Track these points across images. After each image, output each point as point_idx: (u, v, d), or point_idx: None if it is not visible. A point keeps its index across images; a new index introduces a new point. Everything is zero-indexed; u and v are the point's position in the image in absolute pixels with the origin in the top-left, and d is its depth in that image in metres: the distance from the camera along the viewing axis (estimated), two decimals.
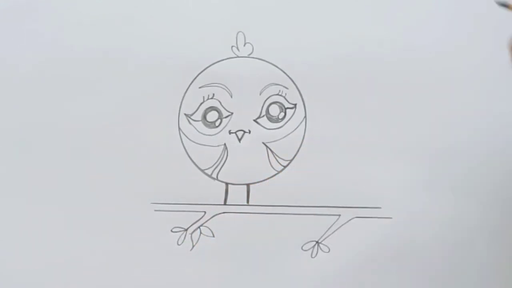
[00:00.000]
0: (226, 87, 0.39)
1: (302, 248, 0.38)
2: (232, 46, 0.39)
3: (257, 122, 0.39)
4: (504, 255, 0.38)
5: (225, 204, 0.39)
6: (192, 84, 0.39)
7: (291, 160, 0.39)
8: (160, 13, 0.39)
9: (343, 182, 0.38)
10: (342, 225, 0.38)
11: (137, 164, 0.39)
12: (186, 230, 0.38)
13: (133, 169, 0.39)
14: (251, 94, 0.39)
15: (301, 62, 0.38)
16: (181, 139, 0.39)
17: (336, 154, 0.38)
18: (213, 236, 0.38)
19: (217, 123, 0.39)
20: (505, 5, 0.32)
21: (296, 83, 0.39)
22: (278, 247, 0.38)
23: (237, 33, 0.39)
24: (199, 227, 0.38)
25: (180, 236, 0.38)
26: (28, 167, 0.39)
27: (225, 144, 0.39)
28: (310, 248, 0.38)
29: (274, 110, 0.39)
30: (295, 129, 0.39)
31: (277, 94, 0.39)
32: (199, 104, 0.39)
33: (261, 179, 0.39)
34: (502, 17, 0.38)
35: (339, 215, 0.38)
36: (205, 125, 0.39)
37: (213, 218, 0.38)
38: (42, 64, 0.39)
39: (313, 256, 0.38)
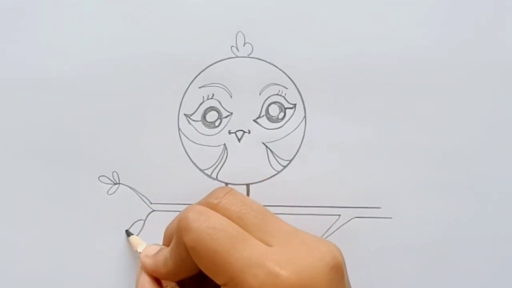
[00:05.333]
0: (226, 87, 0.39)
1: None
2: (231, 46, 0.39)
3: (256, 122, 0.39)
4: (505, 255, 0.38)
5: None
6: (192, 84, 0.39)
7: (291, 160, 0.39)
8: (159, 13, 0.39)
9: (343, 182, 0.38)
10: (342, 225, 0.38)
11: (136, 164, 0.39)
12: None
13: (133, 169, 0.39)
14: (250, 94, 0.39)
15: (301, 62, 0.38)
16: (180, 139, 0.39)
17: (336, 154, 0.38)
18: None
19: (216, 123, 0.39)
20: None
21: (296, 83, 0.39)
22: None
23: (237, 33, 0.39)
24: None
25: None
26: (27, 167, 0.39)
27: (224, 144, 0.39)
28: None
29: (274, 110, 0.39)
30: (295, 129, 0.39)
31: (277, 94, 0.39)
32: (198, 104, 0.39)
33: (261, 179, 0.39)
34: (503, 16, 0.38)
35: (339, 215, 0.38)
36: (205, 125, 0.39)
37: None
38: (37, 63, 0.39)
39: None
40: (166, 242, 0.34)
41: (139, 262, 0.34)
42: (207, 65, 0.39)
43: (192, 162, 0.39)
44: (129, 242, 0.37)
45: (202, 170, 0.39)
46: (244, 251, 0.27)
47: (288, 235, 0.29)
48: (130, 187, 0.39)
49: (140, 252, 0.35)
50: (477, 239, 0.38)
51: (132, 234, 0.37)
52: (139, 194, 0.39)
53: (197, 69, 0.39)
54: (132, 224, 0.38)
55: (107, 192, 0.39)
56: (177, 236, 0.29)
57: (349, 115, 0.38)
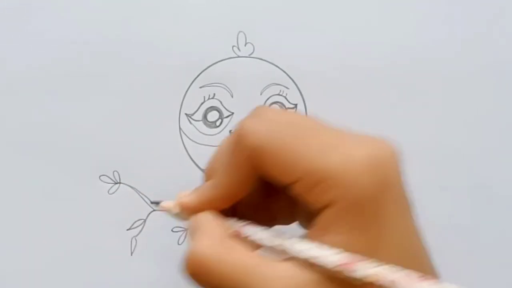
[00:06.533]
0: (227, 87, 0.39)
1: None
2: (233, 46, 0.39)
3: None
4: (505, 255, 0.38)
5: None
6: (193, 84, 0.39)
7: None
8: (160, 13, 0.39)
9: None
10: None
11: (137, 163, 0.39)
12: (186, 229, 0.38)
13: (134, 168, 0.39)
14: (252, 94, 0.39)
15: (302, 62, 0.39)
16: (181, 139, 0.39)
17: None
18: None
19: (217, 123, 0.39)
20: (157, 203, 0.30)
21: (297, 83, 0.39)
22: None
23: (238, 33, 0.39)
24: None
25: (180, 236, 0.38)
26: (28, 166, 0.39)
27: None
28: None
29: None
30: None
31: (278, 94, 0.39)
32: (199, 104, 0.39)
33: None
34: (503, 16, 0.38)
35: None
36: (206, 125, 0.39)
37: None
38: (39, 64, 0.39)
39: None
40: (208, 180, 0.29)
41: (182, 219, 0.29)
42: (208, 65, 0.39)
43: (193, 161, 0.39)
44: (164, 210, 0.30)
45: (203, 170, 0.39)
46: (317, 138, 0.24)
47: (344, 129, 0.27)
48: (131, 187, 0.38)
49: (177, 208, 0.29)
50: (477, 239, 0.38)
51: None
52: (140, 194, 0.38)
53: (198, 69, 0.39)
54: (133, 224, 0.38)
55: (108, 192, 0.38)
56: (236, 145, 0.26)
57: (350, 115, 0.38)
